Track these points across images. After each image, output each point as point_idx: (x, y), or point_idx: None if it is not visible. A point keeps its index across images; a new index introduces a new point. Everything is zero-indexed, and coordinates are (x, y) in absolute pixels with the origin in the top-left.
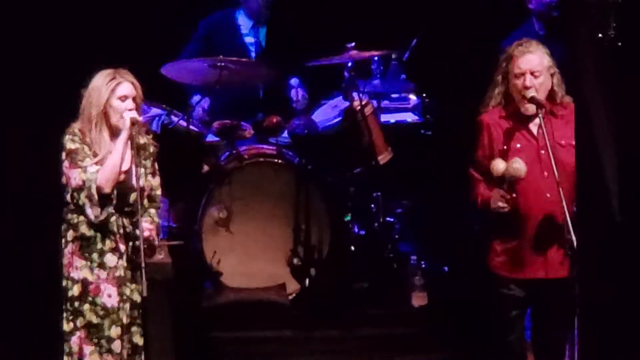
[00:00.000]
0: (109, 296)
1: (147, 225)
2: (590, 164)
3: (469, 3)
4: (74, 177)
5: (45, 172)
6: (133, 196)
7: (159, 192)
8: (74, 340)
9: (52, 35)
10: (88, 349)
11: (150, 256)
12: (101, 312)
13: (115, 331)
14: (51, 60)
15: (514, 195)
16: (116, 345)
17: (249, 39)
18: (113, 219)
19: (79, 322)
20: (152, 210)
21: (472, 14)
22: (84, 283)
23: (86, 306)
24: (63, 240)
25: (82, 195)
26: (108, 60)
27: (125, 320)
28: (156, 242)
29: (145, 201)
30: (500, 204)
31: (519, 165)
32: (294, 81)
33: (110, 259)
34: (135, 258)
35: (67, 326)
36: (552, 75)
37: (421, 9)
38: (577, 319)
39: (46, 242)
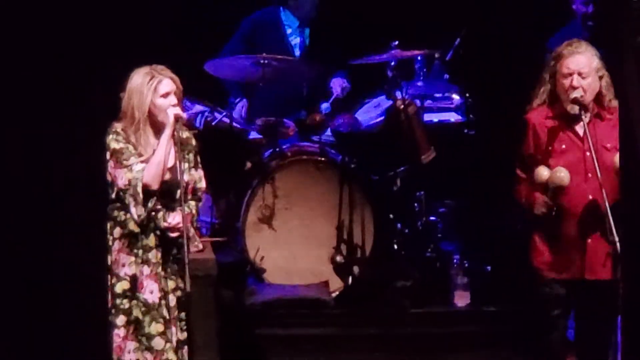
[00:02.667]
0: (150, 292)
1: (178, 218)
2: (633, 167)
3: (512, 2)
4: (120, 176)
5: (87, 171)
6: (178, 192)
7: (201, 184)
8: (114, 338)
9: (92, 32)
10: (131, 345)
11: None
12: (143, 309)
13: (155, 327)
14: (91, 58)
15: (557, 202)
16: (157, 342)
17: (294, 38)
18: (160, 214)
19: (120, 320)
20: (192, 203)
21: (516, 14)
22: (133, 279)
23: (133, 302)
24: (110, 238)
25: (128, 194)
26: (151, 56)
27: (167, 315)
28: (190, 233)
29: (190, 195)
30: (544, 210)
31: (562, 174)
32: (337, 79)
33: (154, 255)
34: (177, 254)
35: (113, 320)
36: (600, 77)
37: (464, 8)
38: (620, 321)
39: (91, 240)
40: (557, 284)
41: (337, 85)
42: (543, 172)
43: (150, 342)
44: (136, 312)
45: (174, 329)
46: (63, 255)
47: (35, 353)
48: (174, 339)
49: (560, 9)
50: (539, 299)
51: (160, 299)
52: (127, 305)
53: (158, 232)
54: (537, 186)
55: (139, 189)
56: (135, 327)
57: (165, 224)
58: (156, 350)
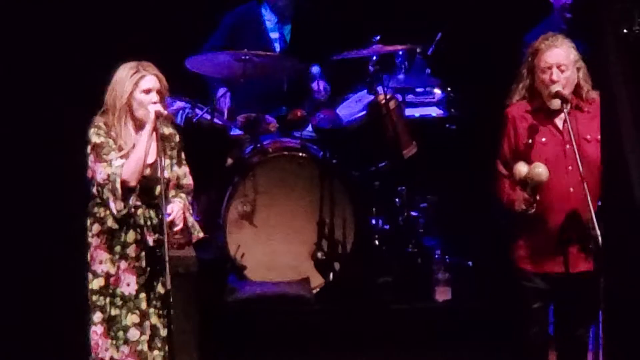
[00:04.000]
0: (127, 285)
1: (177, 207)
2: (615, 159)
3: None
4: (100, 171)
5: (69, 166)
6: (159, 188)
7: (186, 180)
8: (92, 335)
9: (76, 27)
10: (107, 342)
11: (188, 239)
12: (119, 303)
13: (131, 319)
14: (75, 53)
15: (537, 198)
16: (132, 333)
17: (274, 34)
18: (140, 211)
19: (97, 316)
20: (183, 195)
21: (495, 8)
22: (107, 276)
23: (108, 300)
24: (89, 234)
25: (107, 189)
26: (132, 53)
27: (145, 307)
28: (190, 223)
29: (173, 191)
30: (524, 206)
31: (541, 170)
32: (315, 69)
33: (133, 250)
34: (158, 251)
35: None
36: (578, 69)
37: (445, 3)
38: (601, 314)
39: (71, 235)
40: (537, 277)
41: (321, 86)
42: (522, 168)
43: (126, 334)
44: (112, 310)
45: (153, 320)
46: (43, 252)
47: (14, 349)
48: (148, 332)
49: (538, 3)
50: (520, 293)
51: (137, 291)
52: (102, 302)
53: (138, 229)
54: (517, 182)
55: (118, 185)
56: (110, 324)
57: (171, 217)
58: (131, 342)
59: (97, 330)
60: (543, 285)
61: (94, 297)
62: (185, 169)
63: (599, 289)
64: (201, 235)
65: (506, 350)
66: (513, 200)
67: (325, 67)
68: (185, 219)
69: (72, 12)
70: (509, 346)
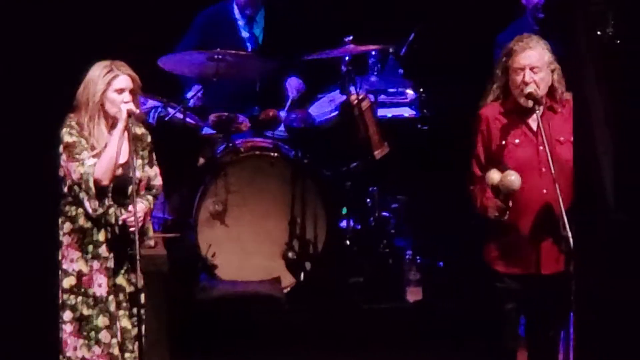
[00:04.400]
0: (99, 285)
1: (139, 207)
2: (587, 160)
3: None
4: (72, 170)
5: (42, 164)
6: (131, 188)
7: (156, 181)
8: (62, 333)
9: (48, 26)
10: (78, 342)
11: (141, 241)
12: (92, 303)
13: (102, 320)
14: (47, 52)
15: (510, 205)
16: (103, 335)
17: (245, 33)
18: (111, 210)
19: (67, 315)
20: (150, 197)
21: (467, 9)
22: (79, 275)
23: (79, 299)
24: (60, 233)
25: (81, 188)
26: (105, 52)
27: (113, 310)
28: (150, 232)
29: (144, 192)
30: (496, 214)
31: (513, 178)
32: (292, 79)
33: (104, 250)
34: (130, 250)
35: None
36: (552, 71)
37: (418, 3)
38: (572, 315)
39: (43, 234)
40: (509, 278)
41: (294, 86)
42: (494, 176)
43: (97, 335)
44: (83, 309)
45: (123, 322)
46: (13, 250)
47: None
48: (119, 335)
49: (511, 3)
50: (491, 294)
51: (108, 293)
52: (73, 301)
53: (109, 228)
54: (490, 189)
55: (91, 184)
56: (82, 324)
57: (124, 216)
58: (103, 344)
59: (66, 329)
60: (515, 286)
61: (65, 296)
62: (156, 169)
63: (570, 291)
64: (152, 243)
65: (477, 350)
66: (486, 206)
67: (298, 67)
68: (145, 221)
69: (43, 10)
70: (480, 347)
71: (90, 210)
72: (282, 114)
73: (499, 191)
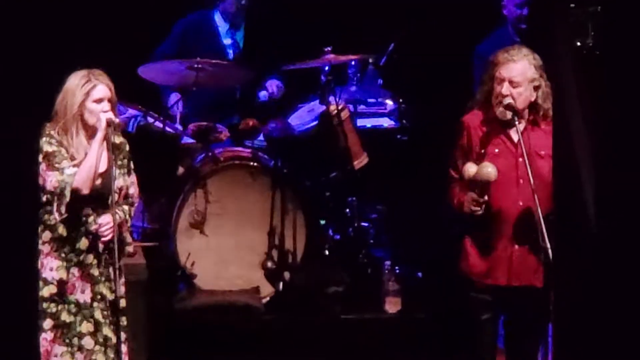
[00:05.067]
0: (82, 292)
1: (109, 219)
2: (567, 171)
3: (444, 8)
4: (50, 179)
5: (20, 174)
6: (110, 197)
7: (133, 190)
8: (41, 341)
9: (25, 35)
10: (59, 349)
11: (121, 251)
12: (74, 310)
13: (86, 327)
14: (24, 61)
15: (486, 198)
16: (87, 342)
17: (227, 40)
18: (91, 219)
19: (47, 323)
20: (126, 207)
21: (447, 19)
22: (60, 284)
23: (60, 307)
24: (39, 242)
25: (55, 196)
26: (83, 61)
27: (99, 317)
28: (128, 240)
29: (121, 201)
30: (472, 207)
31: (489, 169)
32: (272, 80)
33: (87, 257)
34: (109, 258)
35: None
36: (536, 87)
37: (398, 14)
38: (551, 327)
39: (21, 244)
40: (487, 289)
41: (274, 85)
42: (470, 168)
43: (80, 342)
44: (64, 316)
45: (105, 331)
46: None
47: None
48: (101, 340)
49: (491, 14)
50: (468, 303)
51: (92, 299)
52: (54, 309)
53: (90, 236)
54: (466, 183)
55: (67, 192)
56: (64, 331)
57: (95, 226)
58: (86, 350)
59: (47, 337)
60: (492, 297)
61: (45, 305)
62: (133, 178)
63: (549, 303)
64: (130, 249)
65: None
66: (462, 202)
67: (278, 77)
68: (121, 230)
69: (19, 17)
70: (459, 357)
71: (56, 215)
72: (262, 93)
73: (475, 184)
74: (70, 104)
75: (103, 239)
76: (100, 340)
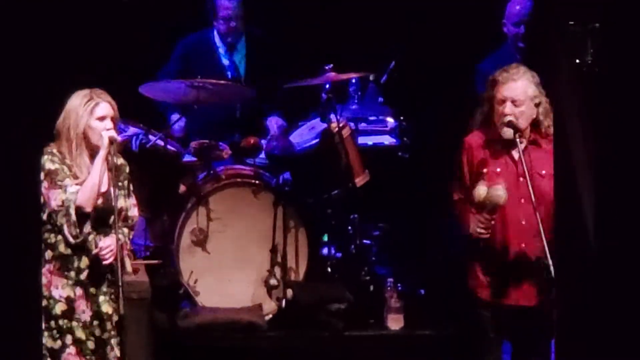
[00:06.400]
0: (82, 312)
1: (110, 241)
2: (567, 190)
3: (446, 26)
4: (54, 197)
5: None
6: (111, 216)
7: (132, 212)
8: (65, 358)
9: (27, 54)
10: None
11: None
12: (81, 326)
13: (89, 344)
14: (27, 80)
15: (493, 222)
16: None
17: (225, 61)
18: (91, 237)
19: (68, 339)
20: (125, 230)
21: (448, 37)
22: (68, 301)
23: (73, 323)
24: (42, 260)
25: (60, 215)
26: (85, 80)
27: (101, 335)
28: (127, 266)
29: (121, 223)
30: (479, 229)
31: (500, 193)
32: (273, 117)
33: (86, 276)
34: (111, 277)
35: (54, 344)
36: (537, 105)
37: (399, 31)
38: (554, 344)
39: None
40: (493, 308)
41: (274, 123)
42: (481, 190)
43: (92, 358)
44: (78, 333)
45: (108, 348)
46: None
47: None
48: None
49: (492, 32)
50: (476, 322)
51: (91, 317)
52: (69, 325)
53: (90, 255)
54: (474, 205)
55: (72, 211)
56: (82, 347)
57: (96, 250)
58: None
59: (71, 352)
60: (498, 317)
61: (60, 322)
62: (133, 200)
63: (552, 320)
64: (129, 270)
65: None
66: (469, 224)
67: (278, 95)
68: (121, 253)
69: (21, 36)
70: None
71: (70, 238)
72: (263, 142)
73: (485, 206)
74: (73, 123)
75: (105, 262)
76: (105, 357)
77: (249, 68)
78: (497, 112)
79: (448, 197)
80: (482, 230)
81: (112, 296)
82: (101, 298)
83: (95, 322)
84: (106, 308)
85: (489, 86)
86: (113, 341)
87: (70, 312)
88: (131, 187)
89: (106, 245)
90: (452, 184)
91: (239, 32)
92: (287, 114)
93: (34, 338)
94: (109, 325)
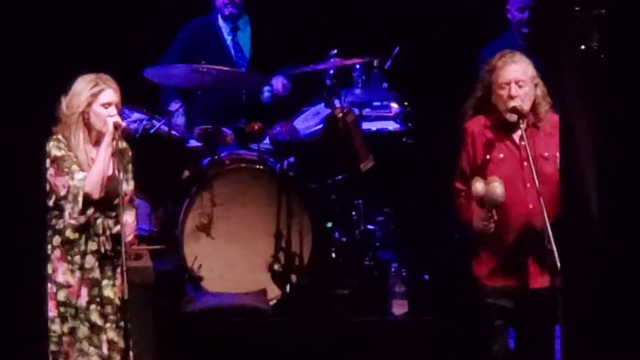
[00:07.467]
0: (78, 296)
1: (131, 219)
2: (573, 176)
3: (450, 12)
4: (62, 184)
5: (27, 178)
6: (117, 200)
7: (132, 196)
8: (63, 345)
9: (31, 38)
10: (74, 353)
11: (127, 253)
12: (74, 314)
13: (82, 331)
14: (31, 64)
15: (495, 218)
16: (84, 345)
17: (230, 41)
18: (99, 221)
19: (65, 327)
20: (134, 210)
21: (452, 22)
22: (67, 286)
23: (69, 310)
24: (49, 246)
25: (67, 201)
26: (89, 64)
27: (98, 321)
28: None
29: (127, 205)
30: (482, 226)
31: (498, 191)
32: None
33: (89, 261)
34: (116, 261)
35: (59, 328)
36: (536, 85)
37: (403, 17)
38: (559, 329)
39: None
40: (498, 293)
41: (279, 82)
42: (478, 187)
43: (80, 345)
44: (71, 320)
45: (104, 336)
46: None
47: None
48: (105, 346)
49: (496, 18)
50: (481, 309)
51: (88, 302)
52: (67, 314)
53: (97, 239)
54: (475, 200)
55: (80, 198)
56: (75, 336)
57: (117, 227)
58: (85, 354)
59: (66, 340)
60: (504, 302)
61: (62, 309)
62: (132, 184)
63: (557, 304)
64: (134, 245)
65: None
66: (471, 219)
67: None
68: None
69: (25, 21)
70: None
71: (69, 218)
72: (266, 88)
73: (484, 202)
74: (76, 106)
75: (127, 239)
76: (103, 345)
77: (252, 54)
78: (499, 97)
79: (452, 183)
80: (484, 227)
81: (116, 281)
82: (104, 282)
83: (92, 307)
84: (108, 292)
85: (486, 73)
86: (109, 326)
87: (68, 299)
88: (133, 171)
89: (131, 220)
90: (456, 175)
91: (239, 4)
92: (292, 99)
93: (39, 325)
94: (109, 309)
